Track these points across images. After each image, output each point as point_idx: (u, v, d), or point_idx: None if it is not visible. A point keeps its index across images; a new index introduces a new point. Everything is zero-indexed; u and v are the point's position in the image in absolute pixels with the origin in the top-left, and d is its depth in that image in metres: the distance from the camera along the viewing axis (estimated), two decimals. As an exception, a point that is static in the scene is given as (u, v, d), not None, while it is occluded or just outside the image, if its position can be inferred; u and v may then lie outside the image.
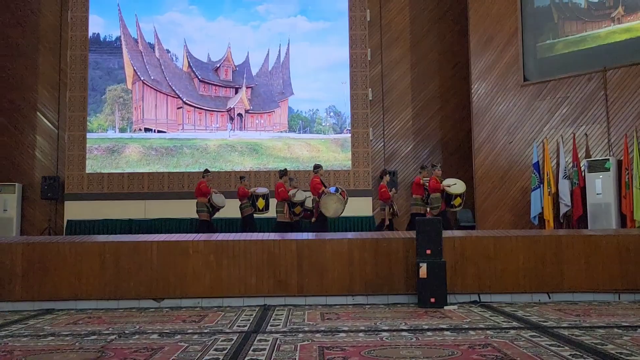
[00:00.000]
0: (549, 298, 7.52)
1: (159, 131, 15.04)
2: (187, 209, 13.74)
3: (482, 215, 13.63)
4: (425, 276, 6.95)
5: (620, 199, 11.47)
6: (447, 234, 7.79)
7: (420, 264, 7.01)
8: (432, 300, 6.91)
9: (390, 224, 11.47)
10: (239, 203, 11.78)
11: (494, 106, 14.00)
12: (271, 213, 11.78)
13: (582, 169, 12.23)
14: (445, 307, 6.85)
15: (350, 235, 8.01)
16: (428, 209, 11.17)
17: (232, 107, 15.16)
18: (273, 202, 11.63)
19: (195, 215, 11.89)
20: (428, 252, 7.06)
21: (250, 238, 7.50)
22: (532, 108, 13.37)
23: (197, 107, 15.14)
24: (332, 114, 15.50)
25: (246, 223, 11.68)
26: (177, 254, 7.22)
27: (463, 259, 7.50)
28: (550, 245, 7.66)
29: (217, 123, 15.13)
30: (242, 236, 7.71)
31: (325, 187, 10.94)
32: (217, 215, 12.10)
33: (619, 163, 11.91)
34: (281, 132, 15.22)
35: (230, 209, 12.31)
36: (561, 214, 12.27)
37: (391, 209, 11.43)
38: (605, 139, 12.25)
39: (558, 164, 12.75)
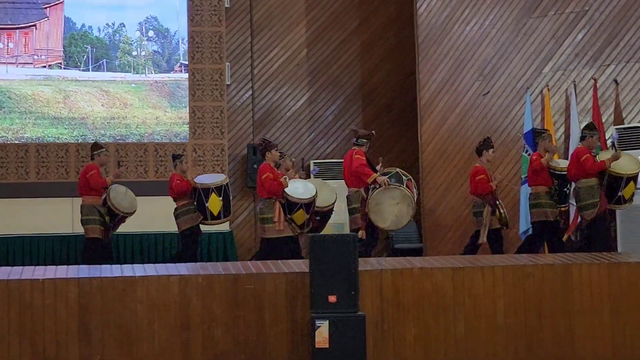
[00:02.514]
0: (550, 379, 7.90)
1: None
2: None
3: (433, 228, 13.99)
4: (327, 345, 7.02)
5: (674, 197, 12.20)
6: (368, 265, 7.90)
7: (318, 323, 7.07)
8: (340, 389, 7.00)
9: (495, 240, 11.38)
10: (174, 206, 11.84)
11: (457, 26, 14.39)
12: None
13: (609, 143, 12.88)
14: (364, 402, 6.97)
15: (183, 268, 7.93)
16: (572, 210, 11.19)
17: (-52, 14, 14.53)
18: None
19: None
20: (332, 299, 7.14)
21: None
22: (524, 31, 13.88)
23: None
24: (151, 33, 15.28)
25: (187, 242, 11.74)
26: None
27: (397, 311, 7.64)
28: (553, 282, 7.98)
29: None
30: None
31: (376, 171, 10.88)
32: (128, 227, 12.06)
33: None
34: (50, 67, 14.85)
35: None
36: (572, 225, 12.87)
37: (494, 211, 11.36)
38: (649, 89, 13.00)
39: (568, 133, 13.33)
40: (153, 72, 15.13)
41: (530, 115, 13.39)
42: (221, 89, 14.88)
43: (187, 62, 14.94)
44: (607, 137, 12.89)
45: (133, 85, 15.00)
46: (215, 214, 11.63)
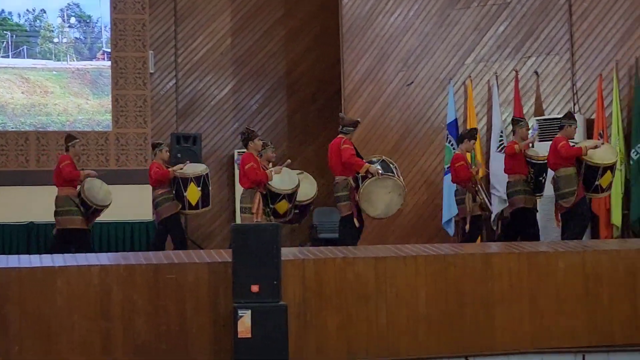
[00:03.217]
0: (470, 366, 8.01)
1: None
2: None
3: (357, 217, 14.07)
4: (249, 335, 7.01)
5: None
6: (290, 254, 7.91)
7: (240, 313, 7.05)
8: (262, 379, 7.00)
9: (475, 226, 11.63)
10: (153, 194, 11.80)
11: (381, 17, 14.43)
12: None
13: (530, 133, 13.06)
14: (286, 392, 6.98)
15: (105, 258, 7.86)
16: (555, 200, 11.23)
17: None
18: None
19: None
20: (255, 288, 7.13)
21: None
22: (448, 23, 13.99)
23: None
24: (73, 20, 15.04)
25: (167, 230, 11.67)
26: None
27: (320, 301, 7.67)
28: (473, 271, 8.09)
29: None
30: None
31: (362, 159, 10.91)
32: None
33: (589, 124, 12.87)
34: (-31, 53, 14.57)
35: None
36: (493, 216, 13.01)
37: (475, 199, 11.42)
38: (568, 80, 13.20)
39: (490, 124, 13.49)
40: (75, 59, 14.92)
41: (453, 106, 13.55)
42: (144, 77, 14.74)
43: (109, 50, 14.76)
44: (529, 128, 13.07)
45: (54, 72, 14.80)
46: (194, 203, 11.61)
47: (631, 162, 12.05)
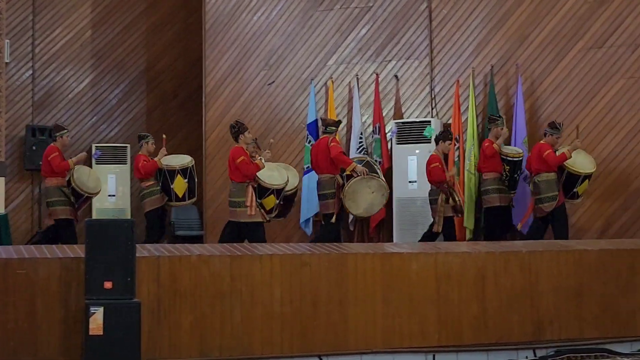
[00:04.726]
0: (322, 365, 8.13)
1: None
2: None
3: (215, 216, 14.01)
4: (101, 332, 6.94)
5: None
6: (145, 251, 7.88)
7: (92, 309, 6.98)
8: (112, 378, 6.95)
9: (448, 227, 11.69)
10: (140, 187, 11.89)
11: (244, 14, 14.45)
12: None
13: (389, 136, 13.33)
14: (138, 390, 6.95)
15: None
16: (534, 200, 11.45)
17: None
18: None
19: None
20: (108, 284, 7.07)
21: None
22: (310, 23, 14.12)
23: None
24: None
25: (152, 223, 11.69)
26: None
27: (174, 299, 7.67)
28: (328, 271, 8.20)
29: None
30: None
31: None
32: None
33: (446, 128, 13.22)
34: None
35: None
36: (351, 216, 13.22)
37: (449, 199, 11.38)
38: (427, 85, 13.52)
39: (350, 125, 13.69)
40: None
41: (314, 106, 13.70)
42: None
43: (-37, 39, 14.40)
44: (386, 131, 13.34)
45: None
46: (180, 195, 11.74)
47: (484, 167, 12.43)
